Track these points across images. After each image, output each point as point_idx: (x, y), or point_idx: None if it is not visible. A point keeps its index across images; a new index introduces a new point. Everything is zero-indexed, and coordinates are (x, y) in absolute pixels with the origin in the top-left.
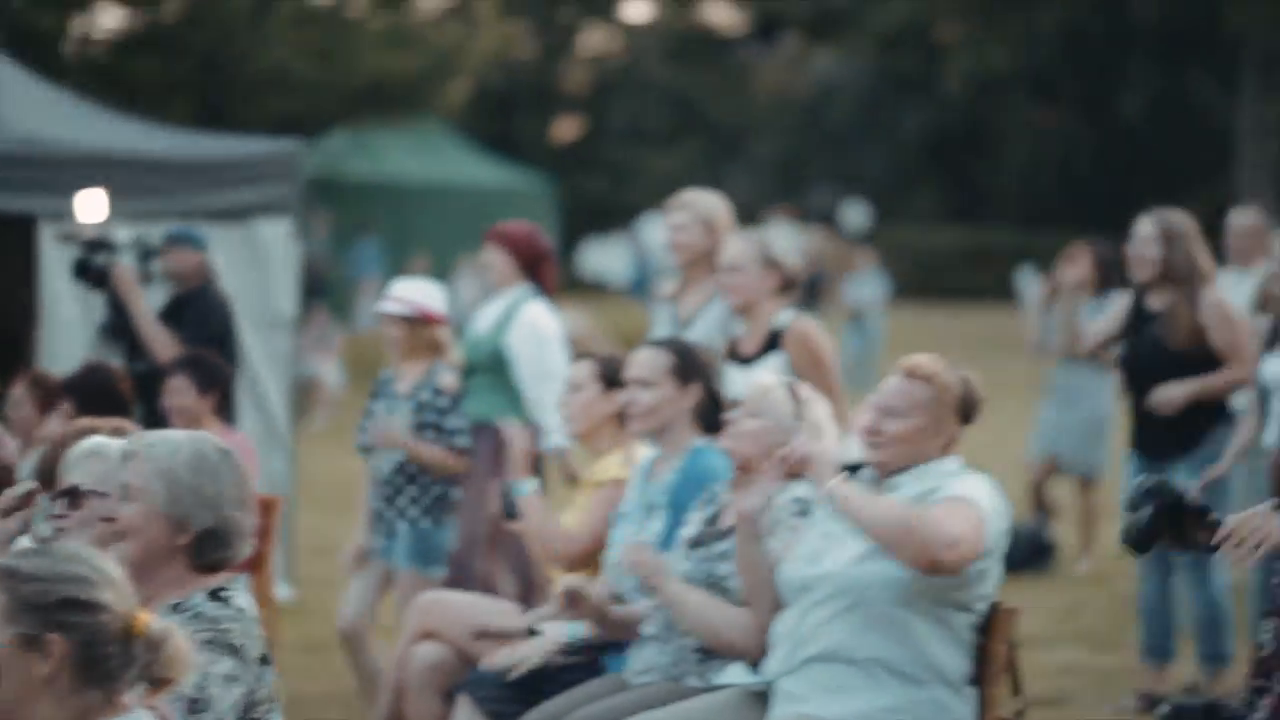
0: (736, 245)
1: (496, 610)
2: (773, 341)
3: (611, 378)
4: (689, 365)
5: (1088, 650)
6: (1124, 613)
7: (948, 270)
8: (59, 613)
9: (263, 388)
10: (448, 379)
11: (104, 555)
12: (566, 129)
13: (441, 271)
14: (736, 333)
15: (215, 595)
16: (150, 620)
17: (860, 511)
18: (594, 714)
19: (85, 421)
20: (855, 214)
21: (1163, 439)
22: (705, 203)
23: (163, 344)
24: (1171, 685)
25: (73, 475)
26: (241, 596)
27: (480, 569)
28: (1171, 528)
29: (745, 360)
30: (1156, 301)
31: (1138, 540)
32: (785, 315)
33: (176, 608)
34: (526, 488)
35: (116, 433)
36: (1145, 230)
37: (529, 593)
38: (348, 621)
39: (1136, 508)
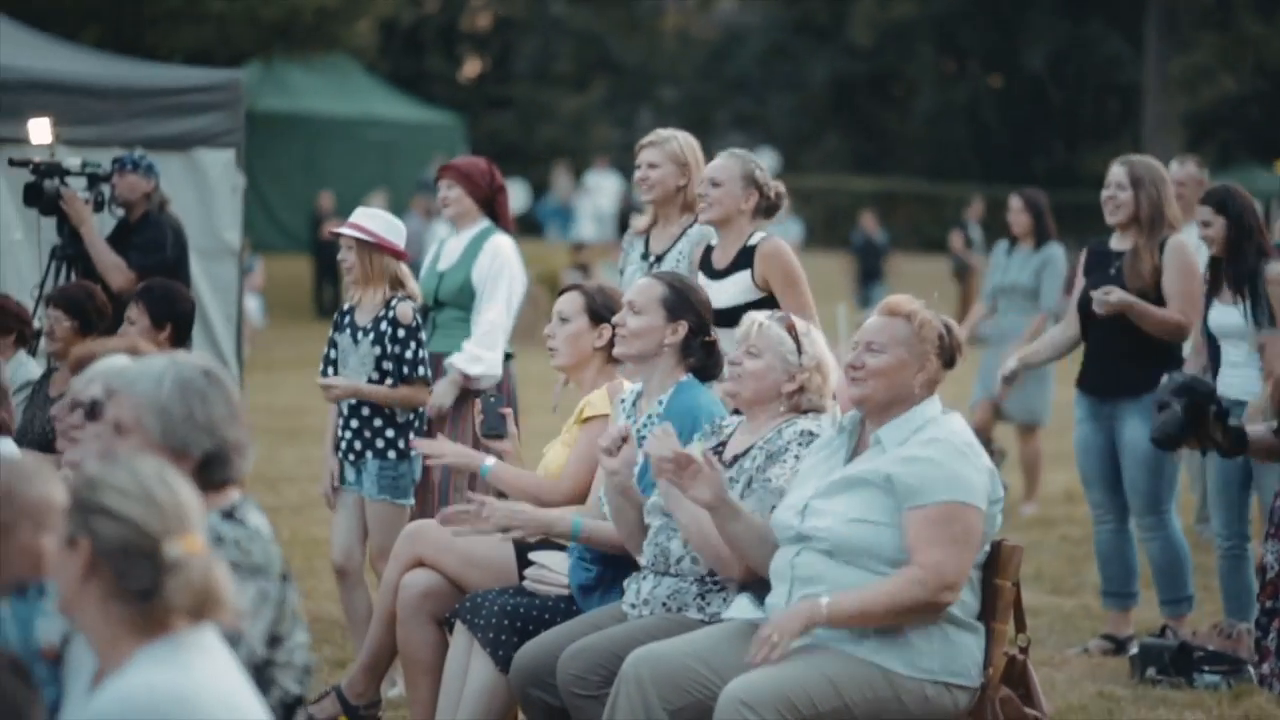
0: (720, 160)
1: (483, 539)
2: (745, 258)
3: (599, 311)
4: (681, 301)
5: (1046, 592)
6: (1075, 555)
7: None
8: (88, 516)
9: (209, 318)
10: (405, 309)
11: (170, 474)
12: (474, 68)
13: (349, 208)
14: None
15: (229, 516)
16: (186, 547)
17: (861, 618)
18: (595, 644)
19: (99, 341)
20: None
21: (1112, 381)
22: (678, 140)
23: (116, 269)
24: (1135, 628)
25: (91, 391)
26: (254, 515)
27: (458, 500)
28: (1198, 426)
29: (716, 274)
30: (1120, 243)
31: (1166, 438)
32: (760, 234)
33: None
34: (488, 467)
35: (130, 350)
36: (1117, 174)
37: None
38: (338, 556)
39: (1165, 406)
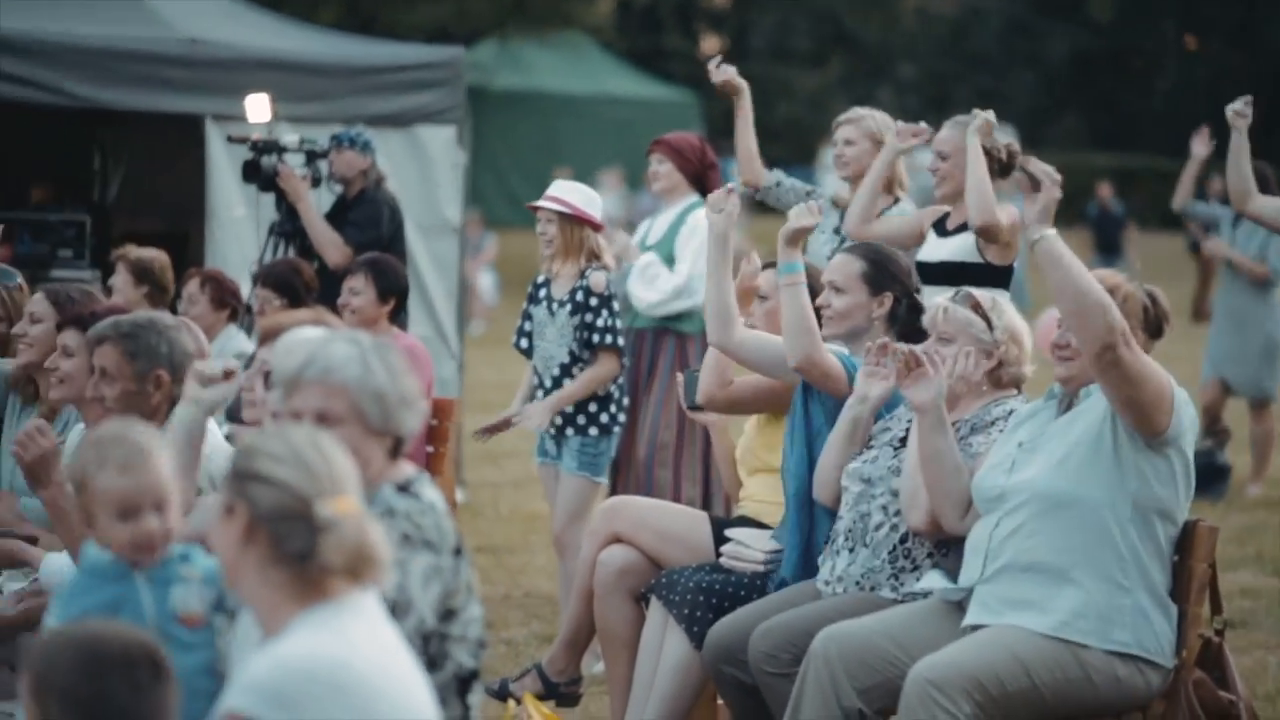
0: (945, 132)
1: (681, 515)
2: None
3: None
4: (881, 273)
5: (1267, 574)
6: None
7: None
8: (244, 483)
9: (430, 294)
10: (598, 277)
11: (323, 441)
12: (711, 45)
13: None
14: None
15: (403, 489)
16: (341, 510)
17: (1071, 266)
18: (786, 622)
19: (287, 313)
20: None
21: None
22: (874, 118)
23: (333, 245)
24: None
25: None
26: (429, 490)
27: (661, 475)
28: None
29: (945, 232)
30: None
31: None
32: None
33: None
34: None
35: (317, 322)
36: None
37: (710, 498)
38: (557, 531)
39: None
